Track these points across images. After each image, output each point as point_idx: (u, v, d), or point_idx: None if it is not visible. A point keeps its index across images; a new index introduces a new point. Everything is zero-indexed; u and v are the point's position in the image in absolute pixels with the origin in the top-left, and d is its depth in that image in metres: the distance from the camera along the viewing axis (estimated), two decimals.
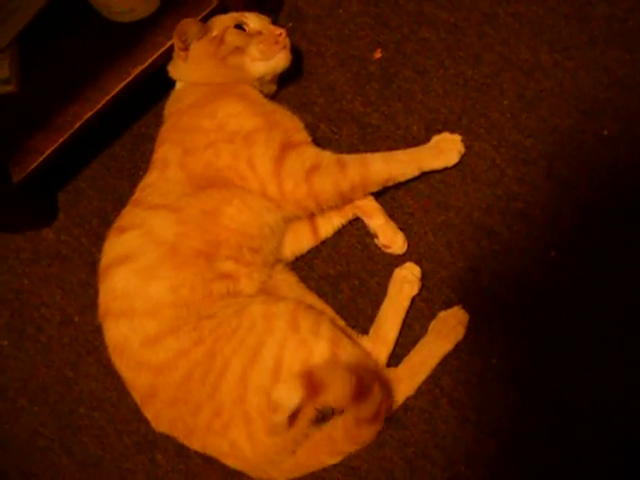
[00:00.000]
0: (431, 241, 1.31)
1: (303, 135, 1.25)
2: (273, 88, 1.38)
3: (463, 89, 1.39)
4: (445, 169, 1.31)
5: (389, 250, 1.31)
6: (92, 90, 1.29)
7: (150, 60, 1.30)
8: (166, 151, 1.22)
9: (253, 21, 1.29)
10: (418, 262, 1.29)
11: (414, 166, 1.26)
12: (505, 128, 1.35)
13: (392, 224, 1.31)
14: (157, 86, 1.33)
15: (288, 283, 1.27)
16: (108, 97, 1.29)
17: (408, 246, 1.31)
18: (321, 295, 1.29)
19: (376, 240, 1.32)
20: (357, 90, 1.43)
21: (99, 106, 1.28)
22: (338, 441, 1.14)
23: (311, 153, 1.21)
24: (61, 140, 1.28)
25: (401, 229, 1.31)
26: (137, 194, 1.22)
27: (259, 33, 1.28)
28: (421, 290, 1.28)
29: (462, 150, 1.31)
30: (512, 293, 1.26)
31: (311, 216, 1.29)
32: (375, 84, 1.42)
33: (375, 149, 1.29)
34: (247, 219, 1.18)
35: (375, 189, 1.26)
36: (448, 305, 1.27)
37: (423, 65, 1.41)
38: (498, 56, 1.39)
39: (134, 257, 1.12)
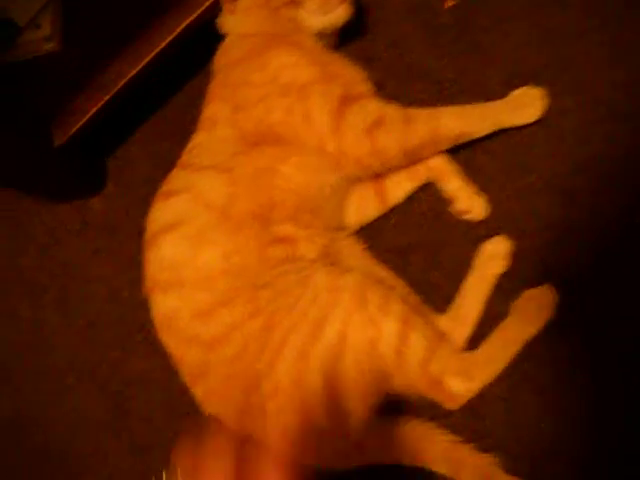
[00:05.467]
0: (511, 208, 1.23)
1: (365, 87, 1.21)
2: (333, 42, 1.31)
3: (547, 39, 1.30)
4: (525, 126, 1.23)
5: (467, 216, 1.25)
6: (137, 47, 1.27)
7: (197, 13, 1.26)
8: (215, 108, 1.19)
9: None
10: (496, 232, 1.22)
11: (490, 121, 1.20)
12: (594, 83, 1.26)
13: (470, 187, 1.25)
14: (211, 44, 1.28)
15: (353, 251, 1.22)
16: (153, 54, 1.26)
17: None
18: (389, 269, 1.23)
19: (452, 206, 1.26)
20: (427, 43, 1.36)
21: (144, 63, 1.26)
22: None
23: (374, 106, 1.15)
24: (105, 100, 1.26)
25: None
26: (184, 156, 1.19)
27: None
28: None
29: (545, 106, 1.22)
30: (602, 268, 1.16)
31: (378, 179, 1.24)
32: (447, 35, 1.36)
33: None
34: (305, 179, 1.13)
35: (446, 147, 1.20)
36: (529, 280, 1.18)
37: (501, 12, 1.34)
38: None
39: (182, 223, 1.08)
